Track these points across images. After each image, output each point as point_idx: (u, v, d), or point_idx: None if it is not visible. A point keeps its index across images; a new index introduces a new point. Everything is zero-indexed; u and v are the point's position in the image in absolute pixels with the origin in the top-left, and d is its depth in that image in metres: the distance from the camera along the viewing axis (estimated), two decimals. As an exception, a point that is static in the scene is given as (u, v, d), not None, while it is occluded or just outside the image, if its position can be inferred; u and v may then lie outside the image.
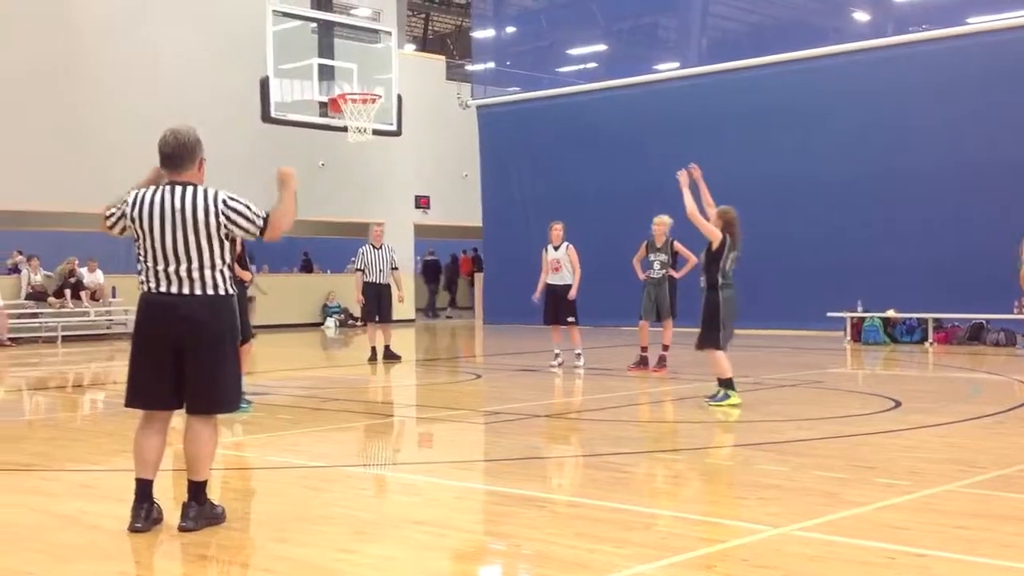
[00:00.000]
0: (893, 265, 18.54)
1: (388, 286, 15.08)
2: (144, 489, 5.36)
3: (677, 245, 13.33)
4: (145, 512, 5.32)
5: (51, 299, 21.47)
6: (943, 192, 18.31)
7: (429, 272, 32.01)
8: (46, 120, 21.57)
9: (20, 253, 22.99)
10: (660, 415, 10.53)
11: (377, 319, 15.10)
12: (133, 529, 5.28)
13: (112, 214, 5.56)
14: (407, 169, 27.92)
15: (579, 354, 13.96)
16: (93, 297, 22.01)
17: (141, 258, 5.39)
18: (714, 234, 9.87)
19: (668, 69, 24.04)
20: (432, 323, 29.10)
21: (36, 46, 21.53)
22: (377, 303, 15.04)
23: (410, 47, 35.49)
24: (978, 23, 19.30)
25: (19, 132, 21.23)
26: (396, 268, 15.26)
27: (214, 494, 5.56)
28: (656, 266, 13.27)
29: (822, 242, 19.71)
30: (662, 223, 13.37)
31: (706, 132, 21.33)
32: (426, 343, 21.80)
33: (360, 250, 15.19)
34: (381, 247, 15.07)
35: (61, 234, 25.93)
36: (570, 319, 13.92)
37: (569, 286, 13.88)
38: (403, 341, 19.40)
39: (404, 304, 15.94)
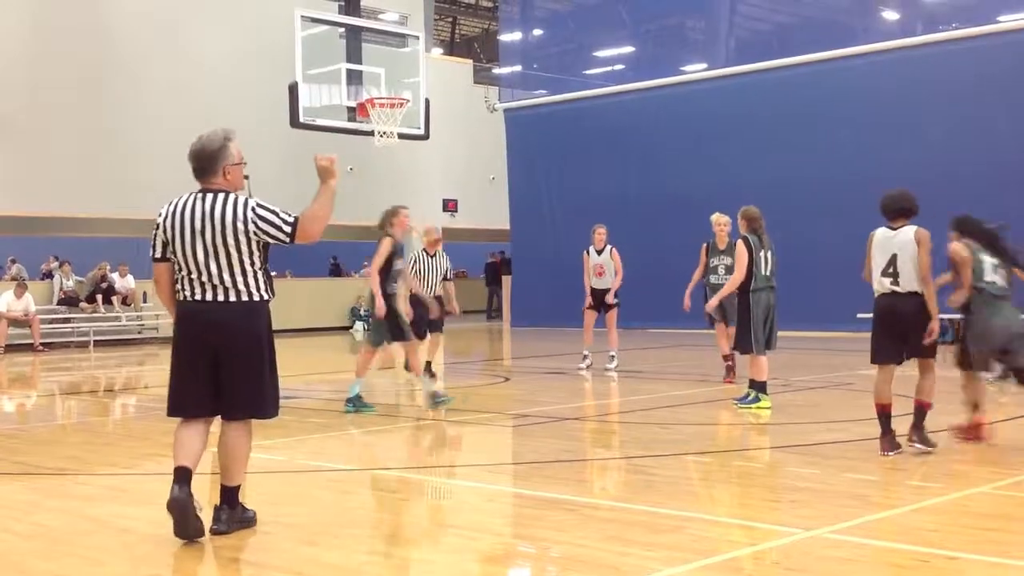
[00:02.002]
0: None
1: (440, 298, 12.77)
2: (183, 475, 5.23)
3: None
4: (187, 490, 5.18)
5: (83, 304, 21.68)
6: (977, 192, 18.04)
7: (491, 274, 32.11)
8: (78, 127, 21.80)
9: (56, 259, 23.22)
10: (691, 418, 10.48)
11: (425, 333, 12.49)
12: (174, 501, 5.13)
13: (153, 244, 5.45)
14: (435, 172, 28.01)
15: (612, 356, 13.88)
16: (124, 302, 22.20)
17: (176, 267, 5.38)
18: (741, 262, 9.76)
19: (695, 70, 23.97)
20: (495, 325, 29.08)
21: (68, 54, 21.76)
22: (426, 318, 12.16)
23: (437, 51, 35.59)
24: (1010, 21, 19.10)
25: (52, 139, 21.46)
26: (449, 279, 13.14)
27: (245, 497, 5.60)
28: (721, 270, 11.87)
29: (852, 243, 19.19)
30: (722, 222, 11.86)
31: (734, 133, 21.27)
32: (455, 346, 21.83)
33: (411, 256, 12.71)
34: (435, 255, 12.83)
35: (92, 240, 26.18)
36: (614, 300, 13.72)
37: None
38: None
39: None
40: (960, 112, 18.60)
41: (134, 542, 5.33)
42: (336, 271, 30.80)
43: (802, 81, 20.83)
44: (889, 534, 5.20)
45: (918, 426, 7.50)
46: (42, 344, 20.24)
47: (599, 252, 13.90)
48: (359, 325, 25.89)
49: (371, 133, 15.11)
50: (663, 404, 10.94)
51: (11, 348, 19.82)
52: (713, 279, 12.02)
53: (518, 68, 27.76)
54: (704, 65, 23.93)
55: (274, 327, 5.46)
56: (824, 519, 5.49)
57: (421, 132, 15.85)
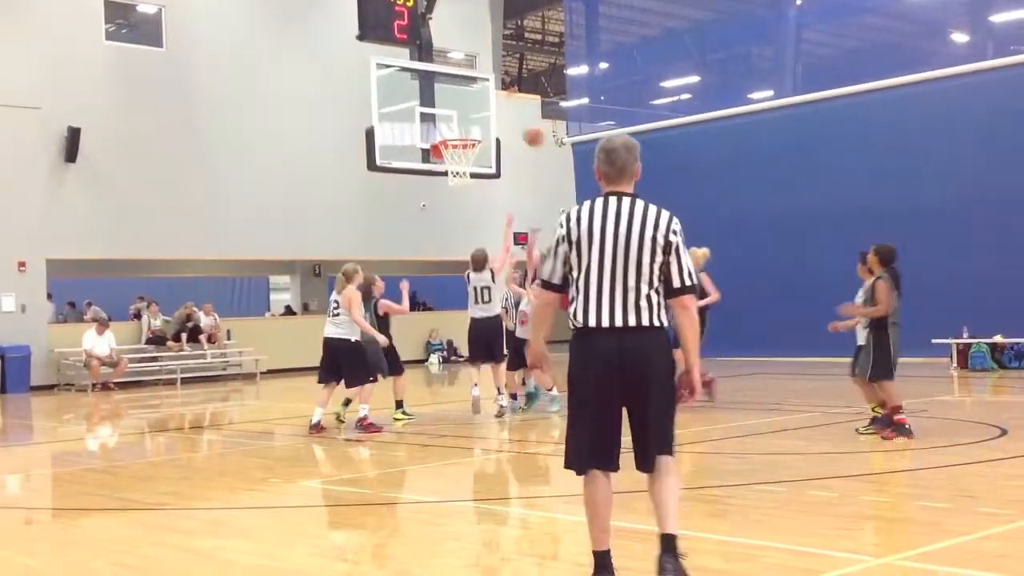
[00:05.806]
0: (1000, 290, 18.19)
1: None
2: (603, 560, 4.79)
3: None
4: None
5: (170, 343, 22.38)
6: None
7: None
8: (164, 175, 22.62)
9: (142, 299, 24.01)
10: (761, 447, 10.60)
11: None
12: None
13: (550, 267, 4.81)
14: (505, 207, 28.34)
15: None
16: (209, 339, 22.87)
17: (578, 285, 4.72)
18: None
19: (763, 99, 24.05)
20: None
21: (157, 104, 22.64)
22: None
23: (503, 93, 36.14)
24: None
25: (140, 188, 22.29)
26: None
27: (337, 528, 5.91)
28: None
29: (925, 268, 19.35)
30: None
31: (803, 161, 21.30)
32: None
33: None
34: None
35: (178, 280, 27.06)
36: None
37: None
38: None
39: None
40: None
41: (238, 573, 5.68)
42: (413, 305, 31.25)
43: (871, 107, 20.78)
44: (957, 560, 5.34)
45: None
46: (114, 383, 20.70)
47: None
48: (433, 358, 26.35)
49: (444, 174, 15.46)
50: (734, 434, 11.07)
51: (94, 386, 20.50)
52: None
53: (585, 101, 28.08)
54: (771, 93, 24.01)
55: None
56: (894, 546, 5.65)
57: (493, 171, 16.17)
